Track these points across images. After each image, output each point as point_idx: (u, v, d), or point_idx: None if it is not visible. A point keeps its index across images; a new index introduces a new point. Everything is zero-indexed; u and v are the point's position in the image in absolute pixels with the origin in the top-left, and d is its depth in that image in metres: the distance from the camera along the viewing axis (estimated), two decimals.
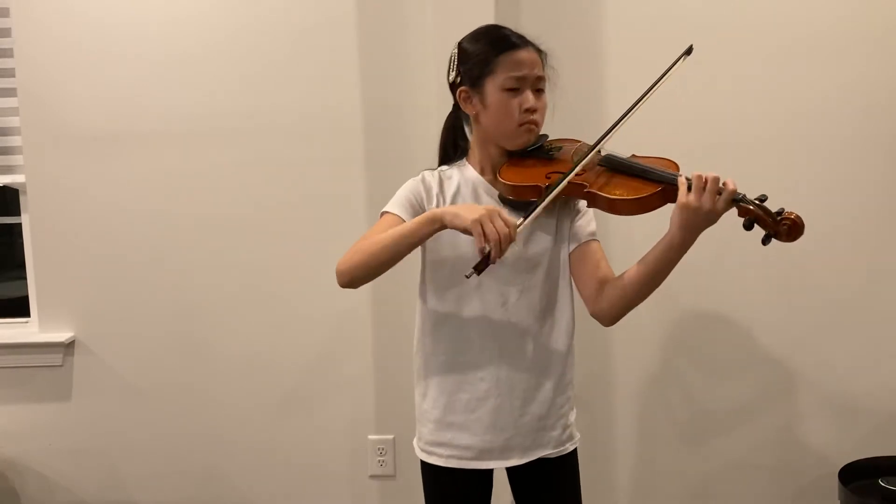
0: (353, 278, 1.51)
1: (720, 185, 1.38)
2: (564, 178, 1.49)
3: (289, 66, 2.52)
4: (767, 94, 2.38)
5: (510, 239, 1.38)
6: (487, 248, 1.37)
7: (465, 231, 1.40)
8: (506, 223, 1.37)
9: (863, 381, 2.44)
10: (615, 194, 1.48)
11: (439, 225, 1.44)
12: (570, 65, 2.25)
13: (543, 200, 1.47)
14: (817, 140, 2.39)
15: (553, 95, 1.63)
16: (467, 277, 1.42)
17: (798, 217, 1.37)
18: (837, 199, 2.40)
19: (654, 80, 1.56)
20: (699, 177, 1.39)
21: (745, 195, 1.40)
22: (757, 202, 1.39)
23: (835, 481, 2.27)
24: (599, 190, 1.49)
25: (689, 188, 1.39)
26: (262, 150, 2.56)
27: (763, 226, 1.39)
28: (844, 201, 2.39)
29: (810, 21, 2.36)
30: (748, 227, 1.40)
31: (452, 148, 1.69)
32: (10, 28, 2.58)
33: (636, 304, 1.54)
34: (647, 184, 1.48)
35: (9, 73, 2.61)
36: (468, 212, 1.39)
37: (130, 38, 2.54)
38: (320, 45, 2.51)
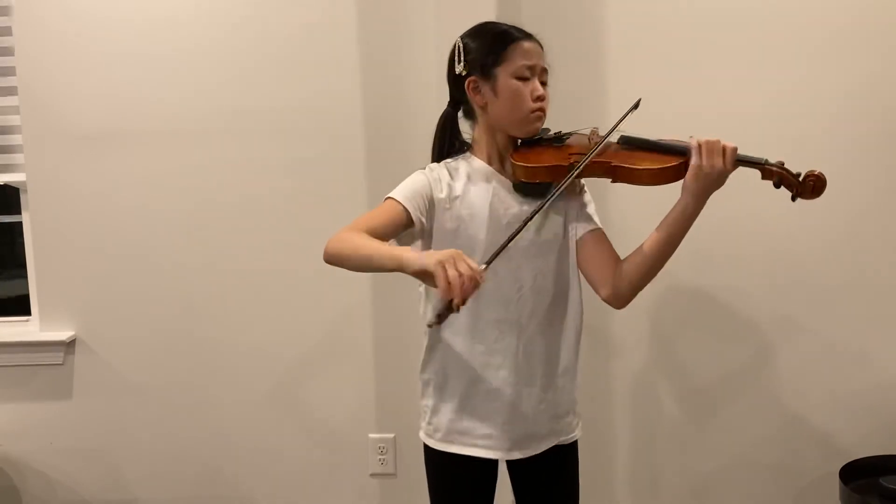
0: (335, 264, 1.51)
1: (722, 146, 1.47)
2: (588, 156, 1.52)
3: (289, 64, 2.52)
4: (768, 94, 2.38)
5: (476, 284, 1.29)
6: (450, 296, 1.28)
7: (424, 274, 1.33)
8: (470, 267, 1.29)
9: (864, 379, 2.44)
10: (641, 165, 1.52)
11: (397, 264, 1.38)
12: (571, 64, 2.26)
13: (567, 178, 1.50)
14: (818, 140, 2.38)
15: (551, 91, 1.63)
16: (429, 328, 1.42)
17: (820, 174, 1.51)
18: (842, 196, 2.38)
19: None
20: (709, 142, 1.47)
21: (747, 155, 1.51)
22: (777, 163, 1.51)
23: (835, 480, 2.27)
24: (623, 162, 1.53)
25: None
26: (263, 148, 2.55)
27: (787, 186, 1.52)
28: (849, 198, 2.38)
29: (811, 20, 2.35)
30: (777, 185, 1.53)
31: (450, 145, 1.68)
32: (10, 27, 2.58)
33: (651, 278, 1.58)
34: (669, 156, 1.53)
35: (9, 71, 2.61)
36: (430, 254, 1.33)
37: (131, 36, 2.54)
38: (321, 43, 2.50)
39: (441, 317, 1.32)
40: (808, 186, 1.50)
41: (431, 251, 1.43)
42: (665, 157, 1.53)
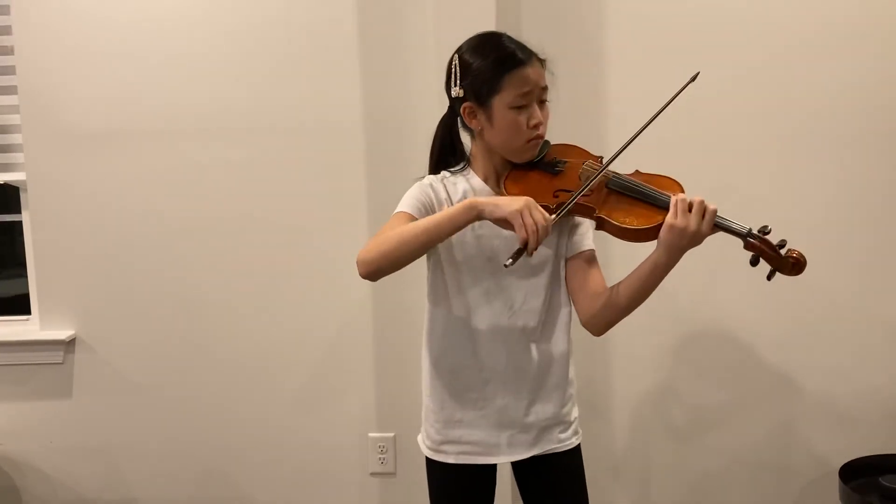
0: (379, 268, 1.47)
1: (704, 207, 1.43)
2: (573, 200, 1.50)
3: (290, 65, 2.52)
4: (768, 94, 2.38)
5: (546, 232, 1.40)
6: (527, 241, 1.38)
7: (504, 222, 1.41)
8: (543, 216, 1.40)
9: (864, 379, 2.44)
10: (626, 223, 1.50)
11: (476, 214, 1.43)
12: (571, 69, 2.25)
13: (560, 211, 1.48)
14: (817, 141, 2.38)
15: (552, 98, 1.63)
16: (506, 267, 1.41)
17: (801, 255, 1.43)
18: (837, 200, 2.39)
19: (666, 101, 1.55)
20: (684, 199, 1.44)
21: (728, 219, 1.46)
22: (760, 234, 1.45)
23: (835, 479, 2.27)
24: (609, 216, 1.51)
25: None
26: (263, 149, 2.56)
27: (767, 260, 1.45)
28: (844, 201, 2.39)
29: (812, 20, 2.35)
30: (754, 262, 1.47)
31: (451, 152, 1.67)
32: (10, 26, 2.57)
33: (623, 317, 1.58)
34: (656, 211, 1.49)
35: (9, 70, 2.60)
36: (508, 203, 1.41)
37: (131, 36, 2.54)
38: (321, 44, 2.50)
39: (515, 258, 1.41)
40: (788, 263, 1.43)
41: (503, 198, 1.46)
42: (651, 212, 1.49)
